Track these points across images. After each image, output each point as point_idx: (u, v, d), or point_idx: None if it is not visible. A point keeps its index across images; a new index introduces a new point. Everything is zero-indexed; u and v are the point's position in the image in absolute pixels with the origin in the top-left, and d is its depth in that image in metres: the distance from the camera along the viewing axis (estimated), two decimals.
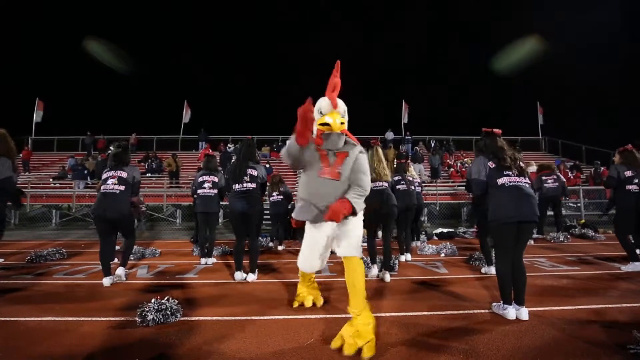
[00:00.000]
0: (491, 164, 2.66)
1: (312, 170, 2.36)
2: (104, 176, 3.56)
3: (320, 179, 2.31)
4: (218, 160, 12.79)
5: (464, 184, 11.33)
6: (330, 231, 2.36)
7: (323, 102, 2.35)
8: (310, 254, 2.46)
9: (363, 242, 5.96)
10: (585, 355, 1.97)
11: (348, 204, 2.21)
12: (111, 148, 3.90)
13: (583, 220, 8.06)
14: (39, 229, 9.08)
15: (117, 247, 4.27)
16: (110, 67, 21.98)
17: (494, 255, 3.45)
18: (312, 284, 2.97)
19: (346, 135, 2.41)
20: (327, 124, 2.26)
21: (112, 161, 3.67)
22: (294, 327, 2.41)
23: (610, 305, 2.79)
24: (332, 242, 2.42)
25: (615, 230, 4.34)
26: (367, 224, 3.93)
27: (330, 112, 2.30)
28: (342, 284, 3.56)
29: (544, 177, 6.48)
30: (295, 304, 2.84)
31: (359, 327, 2.07)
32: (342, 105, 2.39)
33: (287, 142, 2.32)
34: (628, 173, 4.08)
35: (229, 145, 16.25)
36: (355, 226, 2.39)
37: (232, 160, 4.05)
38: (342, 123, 2.33)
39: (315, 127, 2.30)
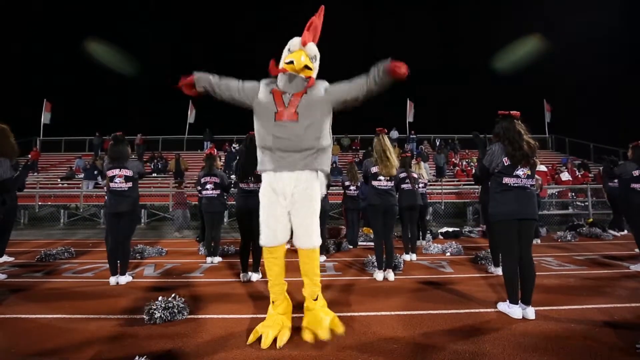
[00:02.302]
0: (506, 160, 2.60)
1: (266, 113, 2.13)
2: (110, 174, 3.59)
3: (279, 123, 2.10)
4: (223, 161, 12.90)
5: (470, 182, 11.29)
6: (289, 196, 2.15)
7: (293, 40, 2.15)
8: (270, 221, 2.18)
9: (367, 241, 5.98)
10: (592, 354, 1.95)
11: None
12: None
13: (591, 219, 7.96)
14: (47, 228, 9.21)
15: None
16: (116, 69, 22.19)
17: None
18: (286, 308, 2.32)
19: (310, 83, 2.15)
20: (291, 62, 2.05)
21: (112, 156, 3.66)
22: (299, 325, 2.42)
23: (618, 305, 2.76)
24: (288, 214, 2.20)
25: (630, 229, 4.34)
26: (370, 221, 3.95)
27: (297, 50, 2.08)
28: (346, 282, 3.57)
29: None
30: (252, 339, 2.14)
31: (318, 311, 2.21)
32: (313, 48, 2.16)
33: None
34: (636, 172, 4.05)
35: (233, 145, 16.33)
36: (312, 208, 2.18)
37: (238, 158, 3.99)
38: (308, 68, 2.10)
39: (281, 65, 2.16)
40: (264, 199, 2.23)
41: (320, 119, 2.16)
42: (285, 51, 2.20)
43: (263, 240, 2.23)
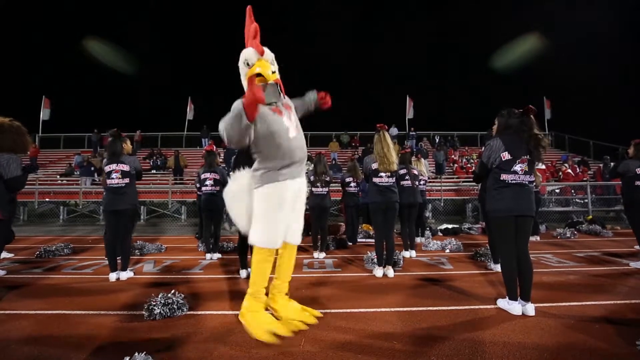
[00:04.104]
0: (504, 156, 2.58)
1: (281, 131, 2.18)
2: (107, 169, 3.58)
3: (292, 137, 2.23)
4: (222, 158, 12.86)
5: (469, 179, 11.28)
6: (293, 200, 2.30)
7: (247, 52, 2.14)
8: (279, 226, 2.25)
9: (366, 237, 5.96)
10: (592, 351, 1.96)
11: None
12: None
13: (590, 217, 7.97)
14: (47, 225, 9.20)
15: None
16: (115, 66, 22.08)
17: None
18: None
19: (280, 86, 2.25)
20: (259, 75, 2.06)
21: (109, 153, 3.65)
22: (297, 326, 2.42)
23: (618, 302, 2.77)
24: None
25: (631, 226, 4.35)
26: (371, 218, 3.94)
27: (258, 60, 2.09)
28: (345, 279, 3.57)
29: None
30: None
31: (293, 304, 2.48)
32: (268, 52, 2.18)
33: (227, 120, 2.04)
34: (639, 170, 4.06)
35: None
36: (304, 207, 2.48)
37: (236, 155, 3.96)
38: (274, 72, 2.15)
39: (244, 83, 2.17)
40: (273, 206, 2.22)
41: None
42: (241, 65, 2.17)
43: (269, 243, 2.25)
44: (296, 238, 2.43)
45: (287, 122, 2.23)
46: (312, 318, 2.38)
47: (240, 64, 2.18)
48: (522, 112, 2.64)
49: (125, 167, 3.58)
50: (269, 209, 2.22)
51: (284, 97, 2.32)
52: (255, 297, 2.31)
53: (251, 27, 2.13)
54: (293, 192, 2.28)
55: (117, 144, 3.63)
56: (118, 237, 3.58)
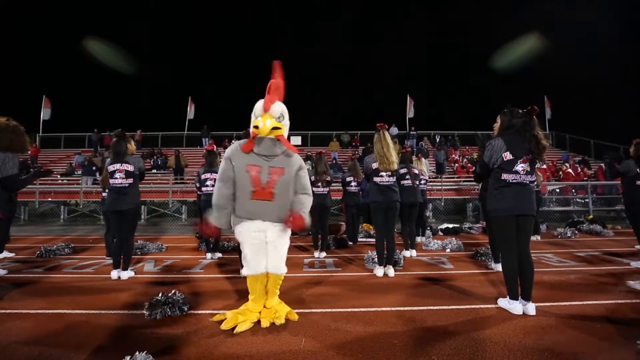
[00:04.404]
0: (506, 156, 2.57)
1: (243, 189, 2.29)
2: (111, 169, 3.59)
3: (254, 201, 2.29)
4: (222, 158, 12.87)
5: (470, 179, 11.27)
6: (258, 230, 2.36)
7: (258, 105, 2.32)
8: (258, 253, 2.37)
9: (367, 237, 5.96)
10: (592, 350, 1.96)
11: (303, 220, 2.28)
12: None
13: (591, 216, 7.97)
14: (47, 224, 9.21)
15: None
16: (115, 66, 22.09)
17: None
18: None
19: (282, 142, 2.33)
20: (257, 127, 2.24)
21: (113, 153, 3.67)
22: (299, 320, 2.42)
23: (619, 301, 2.76)
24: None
25: (632, 226, 4.34)
26: (372, 218, 3.94)
27: (261, 114, 2.26)
28: (346, 278, 3.57)
29: None
30: (218, 317, 2.45)
31: (276, 307, 2.48)
32: (277, 108, 2.30)
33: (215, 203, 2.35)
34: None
35: (233, 141, 16.29)
36: (286, 236, 2.45)
37: None
38: (276, 128, 2.27)
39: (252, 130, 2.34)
40: (244, 236, 2.36)
41: (291, 195, 2.41)
42: (252, 115, 2.35)
43: (250, 271, 2.37)
44: (275, 268, 2.42)
45: (255, 186, 2.26)
46: (281, 320, 2.39)
47: (253, 113, 2.37)
48: (525, 113, 2.62)
49: (130, 167, 3.59)
50: (242, 243, 2.40)
51: (284, 153, 2.34)
52: (252, 307, 2.45)
53: (270, 82, 2.31)
54: (256, 229, 2.34)
55: (122, 145, 3.65)
56: (122, 237, 3.59)
